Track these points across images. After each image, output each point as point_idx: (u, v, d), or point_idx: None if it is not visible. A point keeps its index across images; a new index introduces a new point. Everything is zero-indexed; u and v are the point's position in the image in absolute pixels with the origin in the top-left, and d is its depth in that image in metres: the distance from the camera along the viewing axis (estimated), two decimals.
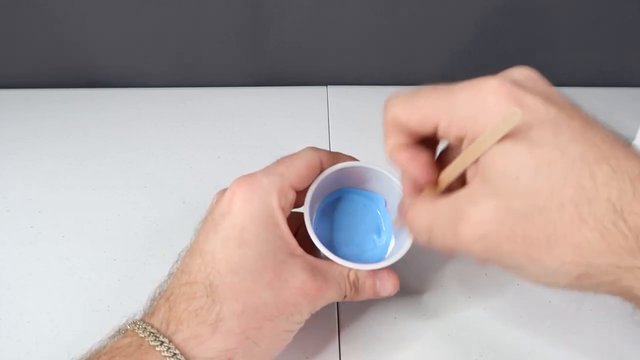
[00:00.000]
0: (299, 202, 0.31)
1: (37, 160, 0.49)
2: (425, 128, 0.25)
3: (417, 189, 0.28)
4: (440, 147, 0.29)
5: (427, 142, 0.27)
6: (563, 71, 0.62)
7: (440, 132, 0.25)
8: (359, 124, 0.54)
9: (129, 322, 0.27)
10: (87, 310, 0.35)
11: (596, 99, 0.60)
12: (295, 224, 0.32)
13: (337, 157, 0.32)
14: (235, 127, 0.53)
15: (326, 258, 0.30)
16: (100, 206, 0.43)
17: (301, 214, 0.31)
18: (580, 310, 0.35)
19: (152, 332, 0.26)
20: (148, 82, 0.60)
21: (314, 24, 0.56)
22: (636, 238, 0.20)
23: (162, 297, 0.28)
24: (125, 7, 0.54)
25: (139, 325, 0.27)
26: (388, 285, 0.31)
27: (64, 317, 0.35)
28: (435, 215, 0.25)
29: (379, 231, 0.34)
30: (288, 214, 0.30)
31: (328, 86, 0.60)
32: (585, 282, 0.22)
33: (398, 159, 0.27)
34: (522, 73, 0.24)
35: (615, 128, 0.23)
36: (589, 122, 0.23)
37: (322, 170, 0.32)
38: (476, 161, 0.24)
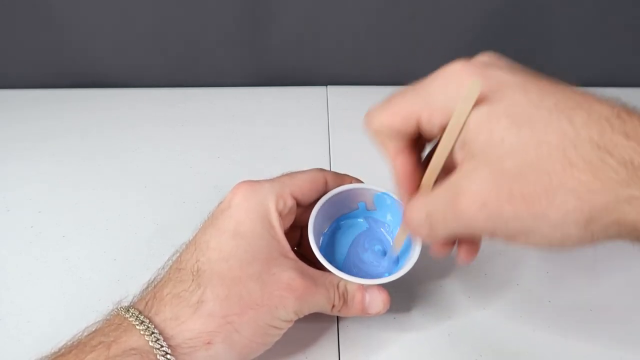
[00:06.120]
0: (303, 218, 0.32)
1: (37, 160, 0.49)
2: (409, 127, 0.26)
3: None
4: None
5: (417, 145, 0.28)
6: (563, 71, 0.61)
7: (424, 127, 0.25)
8: (359, 124, 0.53)
9: (115, 307, 0.28)
10: (87, 310, 0.35)
11: None
12: (294, 243, 0.33)
13: (342, 178, 0.33)
14: (235, 127, 0.53)
15: (321, 267, 0.30)
16: (100, 206, 0.43)
17: (303, 235, 0.31)
18: (580, 310, 0.35)
19: (133, 313, 0.26)
20: (148, 82, 0.60)
21: (314, 24, 0.56)
22: (625, 168, 0.21)
23: (150, 285, 0.29)
24: (126, 7, 0.54)
25: (123, 308, 0.27)
26: (377, 302, 0.31)
27: (64, 317, 0.35)
28: (432, 202, 0.25)
29: (382, 253, 0.34)
30: (289, 223, 0.31)
31: (328, 86, 0.60)
32: (594, 228, 0.22)
33: (394, 166, 0.28)
34: (485, 56, 0.25)
35: None
36: (556, 83, 0.24)
37: (326, 190, 0.32)
38: (454, 146, 0.24)
